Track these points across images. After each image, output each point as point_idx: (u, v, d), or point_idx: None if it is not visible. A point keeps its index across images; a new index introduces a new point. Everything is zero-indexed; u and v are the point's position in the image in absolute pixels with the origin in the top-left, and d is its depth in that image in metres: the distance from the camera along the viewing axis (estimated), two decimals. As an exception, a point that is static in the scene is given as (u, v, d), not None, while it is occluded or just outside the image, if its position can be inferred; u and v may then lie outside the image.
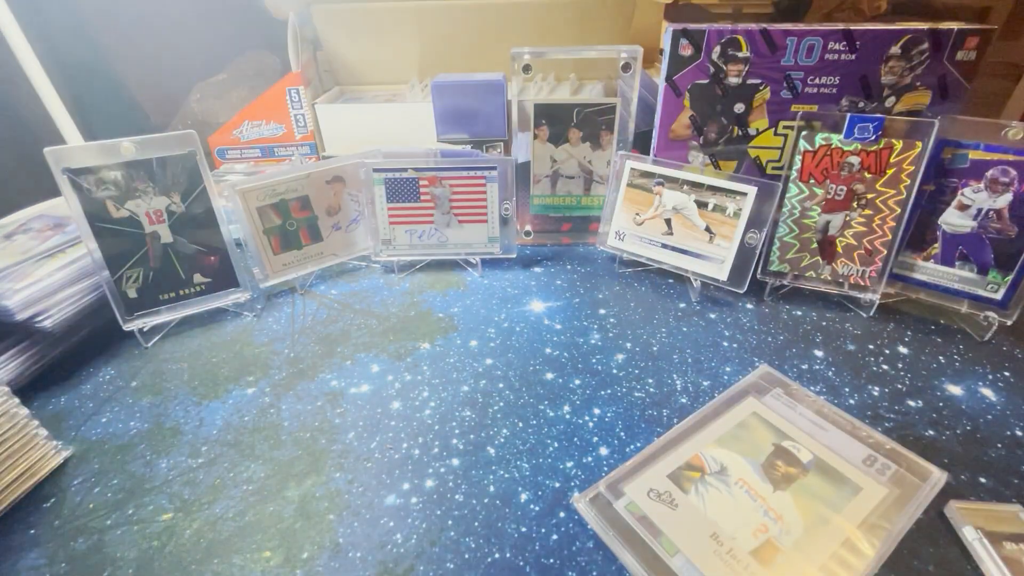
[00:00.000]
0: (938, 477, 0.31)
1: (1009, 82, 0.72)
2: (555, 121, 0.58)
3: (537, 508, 0.31)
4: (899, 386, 0.40)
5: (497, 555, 0.29)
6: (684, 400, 0.39)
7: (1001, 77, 0.74)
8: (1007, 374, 0.40)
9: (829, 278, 0.49)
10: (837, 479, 0.31)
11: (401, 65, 0.87)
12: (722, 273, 0.49)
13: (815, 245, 0.49)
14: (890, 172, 0.45)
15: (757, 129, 0.56)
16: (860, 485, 0.31)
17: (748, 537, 0.29)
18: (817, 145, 0.47)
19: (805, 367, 0.42)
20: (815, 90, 0.54)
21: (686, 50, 0.54)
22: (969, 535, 0.29)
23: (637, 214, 0.54)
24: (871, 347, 0.44)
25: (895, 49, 0.51)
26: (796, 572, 0.27)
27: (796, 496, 0.31)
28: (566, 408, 0.39)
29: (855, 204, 0.47)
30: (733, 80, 0.54)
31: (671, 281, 0.54)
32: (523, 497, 0.32)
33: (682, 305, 0.50)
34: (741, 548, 0.28)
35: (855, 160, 0.46)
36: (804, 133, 0.47)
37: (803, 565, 0.27)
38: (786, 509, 0.30)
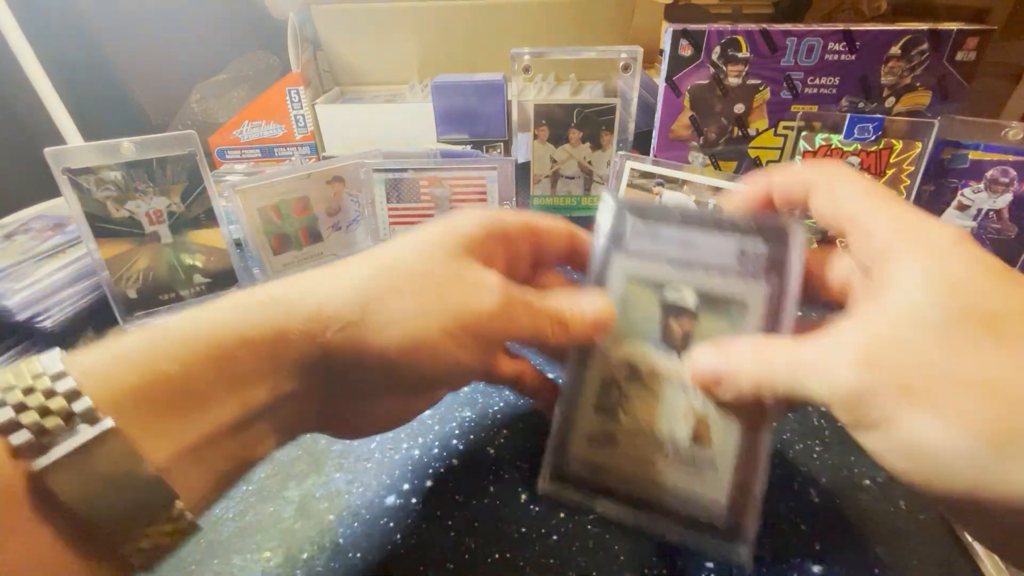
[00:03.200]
0: (795, 227, 0.26)
1: (1009, 82, 0.72)
2: (555, 121, 0.58)
3: (538, 509, 0.31)
4: (899, 386, 0.40)
5: (497, 555, 0.29)
6: (684, 400, 0.39)
7: (1000, 77, 0.74)
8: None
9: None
10: (723, 305, 0.27)
11: (401, 65, 0.87)
12: (722, 273, 0.49)
13: (815, 245, 0.49)
14: (890, 172, 0.45)
15: (757, 129, 0.56)
16: (744, 300, 0.27)
17: (682, 427, 0.26)
18: (817, 145, 0.47)
19: (805, 367, 0.42)
20: (815, 90, 0.54)
21: (686, 50, 0.54)
22: (970, 535, 0.29)
23: (637, 214, 0.54)
24: (871, 347, 0.44)
25: (895, 49, 0.51)
26: (730, 432, 0.26)
27: None
28: (566, 408, 0.38)
29: (855, 204, 0.47)
30: (733, 80, 0.54)
31: (671, 281, 0.54)
32: (523, 498, 0.32)
33: (682, 305, 0.50)
34: (681, 442, 0.26)
35: (855, 160, 0.46)
36: (804, 134, 0.48)
37: (734, 423, 0.26)
38: None
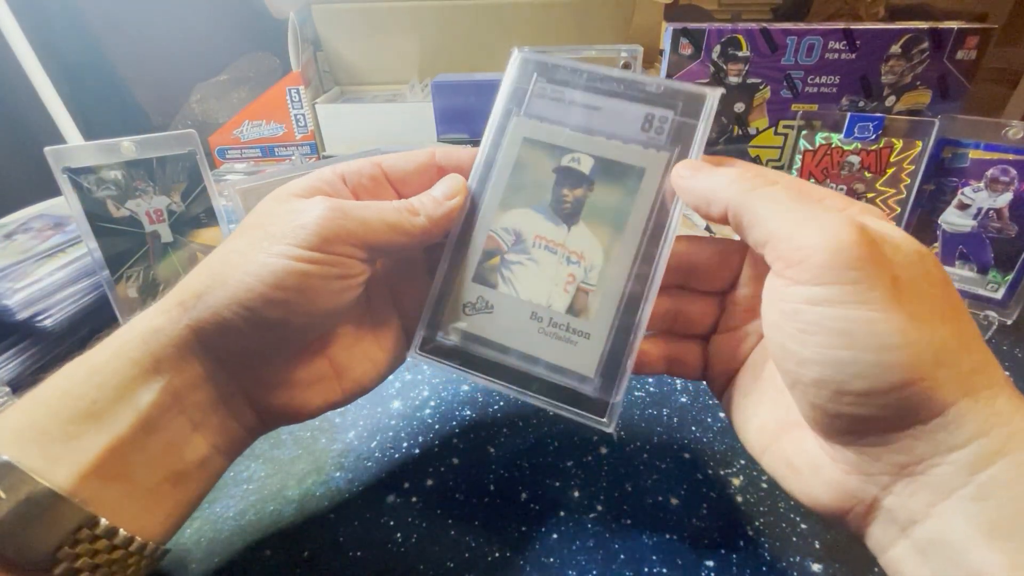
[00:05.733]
0: (711, 93, 0.25)
1: (1007, 88, 0.72)
2: (555, 121, 0.58)
3: (538, 507, 0.31)
4: (899, 385, 0.40)
5: (497, 554, 0.29)
6: (684, 399, 0.39)
7: (998, 83, 0.74)
8: (1007, 374, 0.40)
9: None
10: (619, 174, 0.26)
11: (401, 65, 0.87)
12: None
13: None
14: (890, 171, 0.45)
15: (757, 128, 0.56)
16: (641, 165, 0.26)
17: (561, 296, 0.26)
18: (817, 144, 0.47)
19: (805, 366, 0.42)
20: (815, 89, 0.54)
21: (686, 49, 0.54)
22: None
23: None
24: (871, 346, 0.44)
25: (895, 48, 0.51)
26: (608, 304, 0.25)
27: (589, 223, 0.26)
28: (566, 407, 0.38)
29: (855, 203, 0.47)
30: (733, 79, 0.54)
31: (671, 281, 0.54)
32: (523, 497, 0.32)
33: (682, 305, 0.50)
34: (558, 312, 0.26)
35: (855, 159, 0.46)
36: (804, 132, 0.47)
37: (614, 297, 0.25)
38: (584, 243, 0.26)
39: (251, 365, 0.24)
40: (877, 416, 0.18)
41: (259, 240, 0.23)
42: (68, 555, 0.19)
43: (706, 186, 0.23)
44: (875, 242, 0.18)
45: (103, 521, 0.20)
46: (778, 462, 0.24)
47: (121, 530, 0.20)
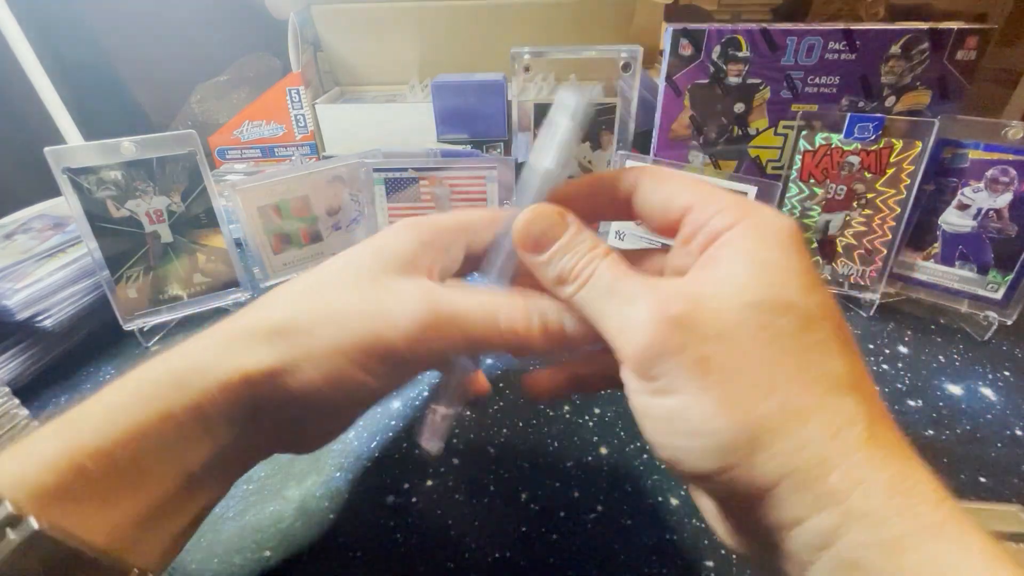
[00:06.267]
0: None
1: (1006, 88, 0.72)
2: (555, 121, 0.58)
3: (538, 507, 0.31)
4: (899, 386, 0.40)
5: (497, 555, 0.29)
6: (684, 400, 0.39)
7: (998, 83, 0.74)
8: (1007, 374, 0.40)
9: (829, 278, 0.49)
10: None
11: (401, 65, 0.87)
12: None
13: (815, 245, 0.49)
14: (890, 172, 0.45)
15: (757, 129, 0.56)
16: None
17: None
18: (817, 145, 0.47)
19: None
20: (815, 90, 0.54)
21: (686, 50, 0.54)
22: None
23: (637, 214, 0.54)
24: (871, 347, 0.44)
25: (895, 49, 0.51)
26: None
27: None
28: (566, 407, 0.39)
29: (855, 204, 0.47)
30: (733, 80, 0.54)
31: (671, 281, 0.54)
32: (523, 496, 0.32)
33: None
34: None
35: (855, 160, 0.46)
36: (804, 133, 0.47)
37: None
38: None
39: (287, 426, 0.23)
40: (716, 496, 0.19)
41: (339, 333, 0.22)
42: None
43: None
44: (682, 326, 0.18)
45: (135, 572, 0.20)
46: (700, 501, 0.23)
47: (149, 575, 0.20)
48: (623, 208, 0.23)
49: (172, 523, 0.21)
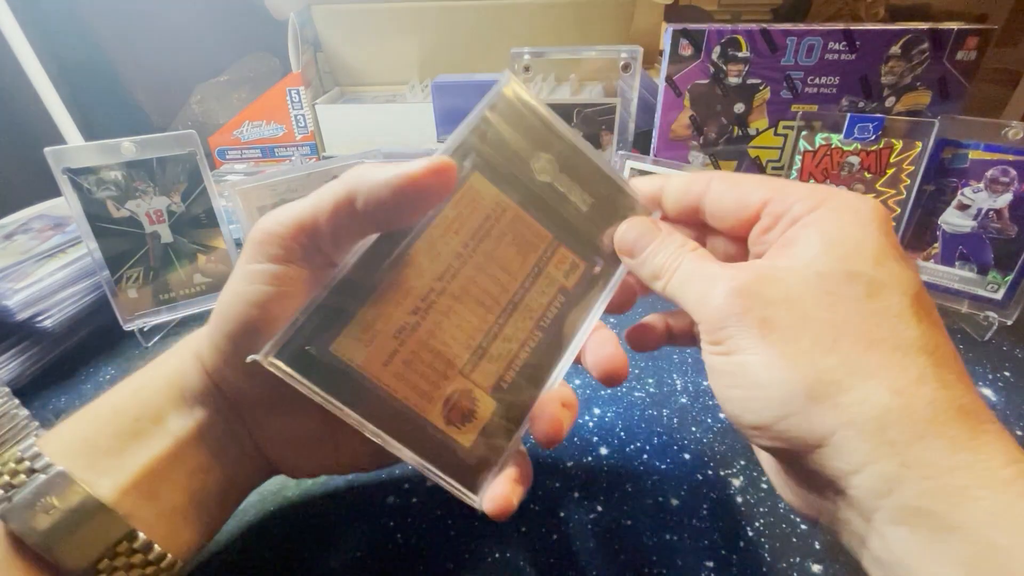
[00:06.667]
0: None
1: (1006, 89, 0.72)
2: (555, 121, 0.58)
3: (537, 508, 0.31)
4: (899, 386, 0.40)
5: (497, 555, 0.29)
6: (684, 400, 0.39)
7: (999, 83, 0.74)
8: (1007, 374, 0.40)
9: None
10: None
11: (401, 65, 0.87)
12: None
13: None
14: (890, 172, 0.45)
15: (757, 129, 0.56)
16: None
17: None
18: (817, 145, 0.47)
19: (805, 367, 0.42)
20: (815, 90, 0.54)
21: (686, 50, 0.54)
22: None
23: (637, 214, 0.54)
24: (871, 347, 0.44)
25: (895, 49, 0.51)
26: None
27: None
28: (566, 408, 0.38)
29: (855, 204, 0.47)
30: (733, 80, 0.54)
31: (671, 281, 0.54)
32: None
33: (682, 305, 0.50)
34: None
35: (855, 160, 0.46)
36: (804, 133, 0.47)
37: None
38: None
39: (265, 412, 0.24)
40: (775, 447, 0.19)
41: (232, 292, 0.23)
42: (108, 567, 0.20)
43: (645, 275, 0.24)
44: (747, 293, 0.19)
45: (141, 536, 0.20)
46: (764, 459, 0.25)
47: (156, 546, 0.21)
48: (691, 214, 0.25)
49: (170, 494, 0.22)
